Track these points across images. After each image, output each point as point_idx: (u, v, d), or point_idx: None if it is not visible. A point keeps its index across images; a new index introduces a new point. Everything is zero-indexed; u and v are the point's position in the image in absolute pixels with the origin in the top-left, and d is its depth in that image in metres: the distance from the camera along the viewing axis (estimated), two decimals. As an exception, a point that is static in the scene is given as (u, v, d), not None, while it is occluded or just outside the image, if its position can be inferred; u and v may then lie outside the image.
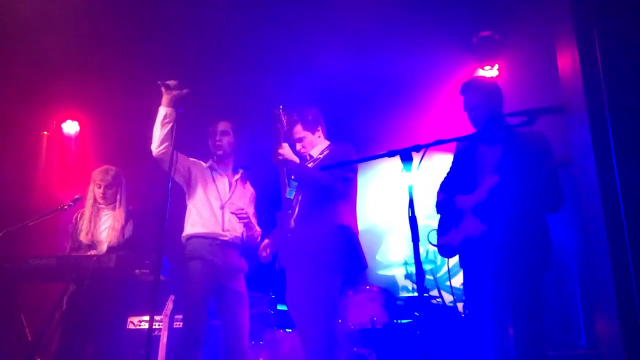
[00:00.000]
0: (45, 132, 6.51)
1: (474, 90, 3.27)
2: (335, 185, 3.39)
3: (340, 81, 5.52)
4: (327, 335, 3.21)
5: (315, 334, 3.23)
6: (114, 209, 4.12)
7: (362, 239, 3.58)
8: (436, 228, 3.37)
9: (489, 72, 5.63)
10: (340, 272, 3.35)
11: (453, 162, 3.48)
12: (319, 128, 3.72)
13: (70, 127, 6.54)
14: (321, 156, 3.59)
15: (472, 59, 5.63)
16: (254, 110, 4.95)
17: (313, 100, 3.95)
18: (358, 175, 3.64)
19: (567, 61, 2.51)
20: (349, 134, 3.92)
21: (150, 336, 2.88)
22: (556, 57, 2.81)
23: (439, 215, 3.40)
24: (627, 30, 2.17)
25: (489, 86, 3.31)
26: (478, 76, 5.25)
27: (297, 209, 3.51)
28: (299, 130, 3.66)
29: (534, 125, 2.61)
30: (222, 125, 4.01)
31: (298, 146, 3.68)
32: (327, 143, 3.72)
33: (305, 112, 3.69)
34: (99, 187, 4.12)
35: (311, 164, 3.60)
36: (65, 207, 4.21)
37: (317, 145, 3.69)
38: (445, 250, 3.31)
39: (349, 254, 3.39)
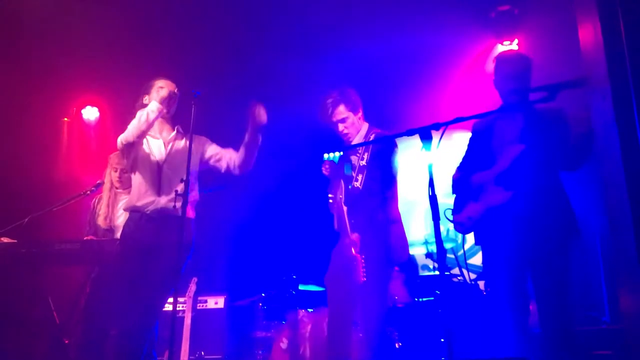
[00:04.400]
0: (65, 119, 6.58)
1: (510, 62, 3.21)
2: (383, 201, 3.45)
3: (357, 60, 5.47)
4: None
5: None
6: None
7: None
8: (452, 206, 3.36)
9: (508, 47, 5.51)
10: (392, 262, 3.49)
11: (469, 144, 3.44)
12: (360, 109, 3.63)
13: (90, 113, 6.61)
14: (365, 161, 3.51)
15: (490, 34, 5.53)
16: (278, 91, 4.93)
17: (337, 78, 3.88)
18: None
19: (588, 33, 2.45)
20: (367, 113, 3.85)
21: (174, 318, 2.91)
22: (577, 30, 2.74)
23: (454, 195, 3.38)
24: (652, 0, 2.11)
25: (524, 60, 3.24)
26: (512, 50, 5.11)
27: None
28: (342, 111, 3.54)
29: (555, 100, 2.57)
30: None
31: (340, 127, 3.56)
32: (366, 125, 3.65)
33: (347, 92, 3.58)
34: (115, 171, 4.14)
35: (355, 157, 3.56)
36: (88, 192, 4.26)
37: (359, 128, 3.61)
38: (462, 225, 3.28)
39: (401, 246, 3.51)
